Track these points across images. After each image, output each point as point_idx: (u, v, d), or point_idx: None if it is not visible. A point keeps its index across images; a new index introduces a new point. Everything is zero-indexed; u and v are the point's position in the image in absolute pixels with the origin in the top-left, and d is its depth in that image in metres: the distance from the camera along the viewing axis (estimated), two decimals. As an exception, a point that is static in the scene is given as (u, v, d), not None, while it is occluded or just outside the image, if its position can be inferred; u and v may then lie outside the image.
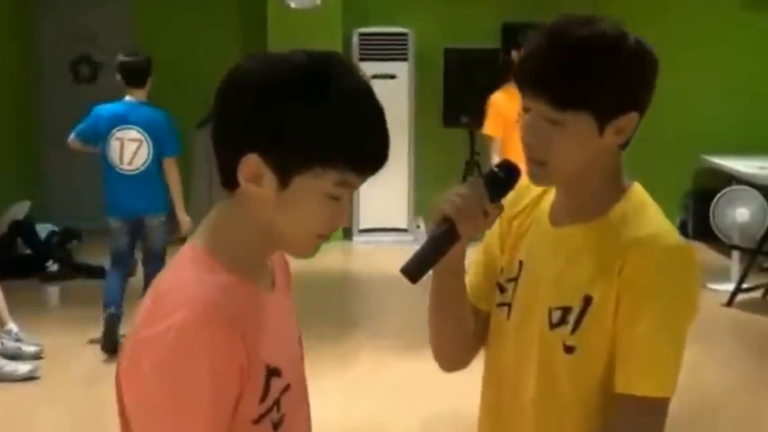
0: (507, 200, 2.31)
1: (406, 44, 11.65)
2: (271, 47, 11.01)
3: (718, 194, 9.56)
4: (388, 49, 11.63)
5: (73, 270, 10.02)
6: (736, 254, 9.52)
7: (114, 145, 7.72)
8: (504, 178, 2.15)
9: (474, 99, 11.19)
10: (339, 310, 9.04)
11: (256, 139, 1.78)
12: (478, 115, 11.46)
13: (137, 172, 7.71)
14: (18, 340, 7.42)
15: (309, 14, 10.69)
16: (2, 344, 7.30)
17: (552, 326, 2.16)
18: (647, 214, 2.16)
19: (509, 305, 2.26)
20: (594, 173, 2.16)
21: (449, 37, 11.78)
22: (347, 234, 11.56)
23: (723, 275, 9.51)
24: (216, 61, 10.48)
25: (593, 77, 2.05)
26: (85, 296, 9.41)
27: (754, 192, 9.51)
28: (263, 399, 1.82)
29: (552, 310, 2.16)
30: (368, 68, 11.47)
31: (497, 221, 2.30)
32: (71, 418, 6.37)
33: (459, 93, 11.43)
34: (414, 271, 2.07)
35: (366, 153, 1.82)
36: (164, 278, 1.85)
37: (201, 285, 1.77)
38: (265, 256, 1.92)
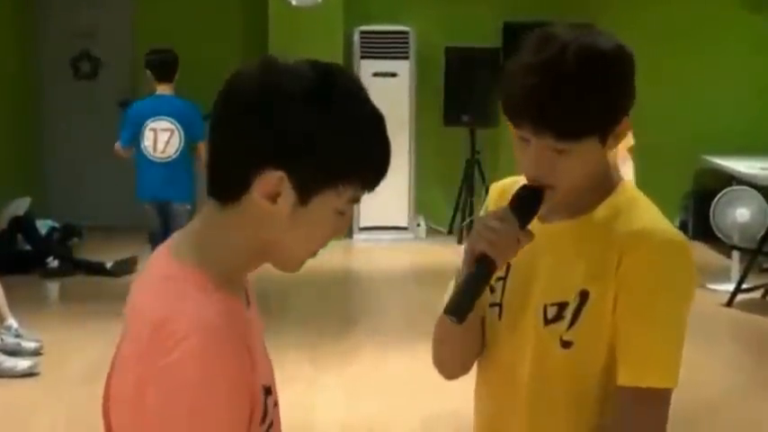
0: (491, 198, 2.36)
1: (407, 42, 11.65)
2: (272, 45, 11.01)
3: (719, 195, 9.56)
4: (390, 47, 11.63)
5: (73, 266, 10.03)
6: (736, 254, 9.53)
7: (148, 135, 8.23)
8: (530, 204, 2.14)
9: (475, 98, 11.22)
10: (339, 308, 9.04)
11: (281, 153, 1.69)
12: (479, 114, 11.50)
13: (169, 160, 8.23)
14: (18, 336, 7.42)
15: (311, 12, 10.69)
16: (2, 340, 7.31)
17: (547, 322, 2.16)
18: (640, 208, 2.17)
19: (500, 305, 2.26)
20: (590, 172, 2.16)
21: (450, 35, 11.78)
22: (348, 232, 11.57)
23: (723, 276, 9.52)
24: (217, 57, 10.50)
25: (596, 106, 2.05)
26: (85, 292, 9.43)
27: (755, 192, 9.51)
28: (263, 419, 1.76)
29: (547, 307, 2.16)
30: (369, 66, 11.49)
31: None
32: (71, 414, 6.37)
33: (459, 91, 11.44)
34: (459, 312, 2.08)
35: (381, 169, 1.80)
36: (153, 304, 1.73)
37: (200, 309, 1.69)
38: (249, 271, 1.84)
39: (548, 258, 2.19)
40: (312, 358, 7.08)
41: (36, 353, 7.36)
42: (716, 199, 9.54)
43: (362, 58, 11.57)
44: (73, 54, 12.39)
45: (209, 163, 1.77)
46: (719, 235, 9.59)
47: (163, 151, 8.22)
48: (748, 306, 8.93)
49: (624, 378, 2.09)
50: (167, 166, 8.23)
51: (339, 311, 8.92)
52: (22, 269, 9.69)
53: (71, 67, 12.42)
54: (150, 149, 8.23)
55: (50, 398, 6.67)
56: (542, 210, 2.19)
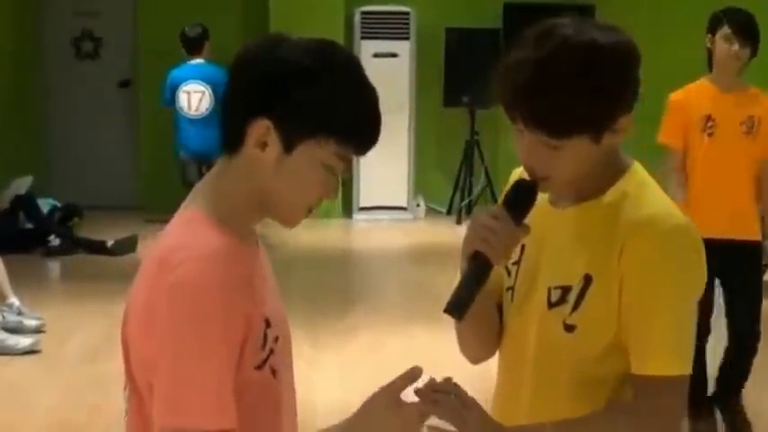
0: (509, 185, 2.32)
1: (407, 23, 11.66)
2: (273, 25, 11.01)
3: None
4: (390, 27, 11.63)
5: (74, 245, 10.05)
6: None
7: (182, 96, 10.09)
8: (523, 200, 2.15)
9: (474, 79, 11.21)
10: (339, 287, 9.06)
11: (269, 104, 1.93)
12: (479, 95, 11.50)
13: (202, 116, 9.99)
14: (19, 314, 7.44)
15: (311, -7, 10.71)
16: (3, 317, 7.33)
17: (551, 305, 2.17)
18: (648, 194, 2.16)
19: (513, 288, 2.28)
20: (594, 159, 2.16)
21: (450, 16, 11.79)
22: (347, 212, 11.60)
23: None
24: (218, 36, 10.51)
25: (588, 105, 2.04)
26: (86, 271, 9.46)
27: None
28: (263, 346, 1.95)
29: (552, 290, 2.17)
30: (369, 47, 11.49)
31: None
32: (72, 392, 6.39)
33: (459, 72, 11.45)
34: (458, 310, 2.11)
35: (365, 126, 1.97)
36: (164, 242, 1.97)
37: (200, 239, 1.91)
38: (255, 221, 2.05)
39: (555, 242, 2.20)
40: (311, 337, 7.10)
41: (37, 331, 7.38)
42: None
43: (363, 38, 11.58)
44: (74, 34, 12.39)
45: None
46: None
47: (197, 109, 10.03)
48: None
49: (639, 367, 2.09)
50: (202, 122, 9.92)
51: (338, 291, 8.94)
52: (23, 248, 9.71)
53: (73, 46, 12.43)
54: (186, 108, 10.07)
55: (52, 375, 6.69)
56: (551, 194, 2.21)
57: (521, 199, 2.16)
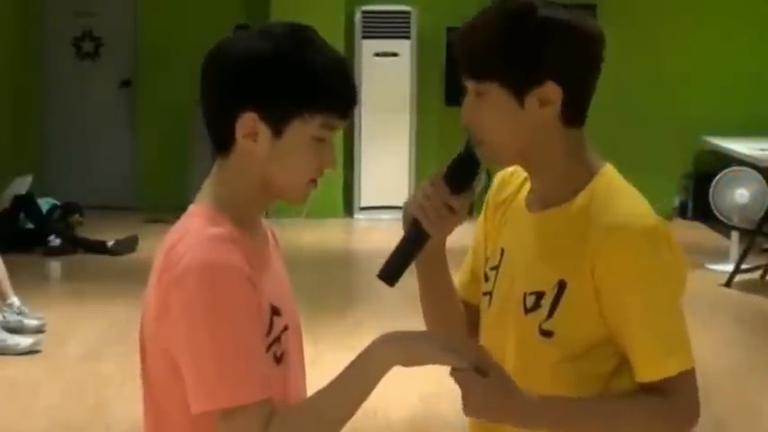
0: (493, 188, 2.36)
1: (408, 22, 11.64)
2: (273, 24, 11.00)
3: (719, 175, 9.57)
4: (391, 27, 11.62)
5: (75, 245, 10.04)
6: (735, 234, 9.54)
7: None
8: (462, 169, 2.16)
9: (476, 78, 11.22)
10: (340, 287, 9.06)
11: (250, 97, 1.99)
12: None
13: None
14: (20, 314, 7.43)
15: (312, -8, 10.69)
16: (4, 317, 7.32)
17: (527, 311, 2.16)
18: (616, 197, 2.14)
19: (490, 293, 2.28)
20: (552, 153, 2.17)
21: (451, 16, 11.74)
22: (348, 211, 11.59)
23: (722, 256, 9.53)
24: (218, 37, 10.49)
25: (496, 49, 2.10)
26: (87, 271, 9.45)
27: (754, 173, 9.51)
28: (267, 333, 2.00)
29: (527, 295, 2.17)
30: (370, 46, 11.48)
31: (483, 211, 2.36)
32: (73, 392, 6.39)
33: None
34: (389, 275, 2.13)
35: (343, 91, 2.04)
36: (170, 237, 2.02)
37: (200, 231, 1.97)
38: (261, 208, 2.12)
39: (529, 247, 2.20)
40: (312, 337, 7.10)
41: (38, 330, 7.38)
42: (716, 180, 9.55)
43: (364, 38, 11.57)
44: (75, 34, 12.37)
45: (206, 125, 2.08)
46: (719, 216, 9.60)
47: None
48: (747, 286, 8.95)
49: (640, 375, 2.10)
50: None
51: (339, 290, 8.94)
52: (24, 247, 9.70)
53: (73, 46, 12.41)
54: None
55: (52, 375, 6.69)
56: (529, 198, 2.23)
57: (460, 169, 2.16)
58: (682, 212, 11.70)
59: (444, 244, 2.25)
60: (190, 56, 9.81)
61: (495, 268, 2.27)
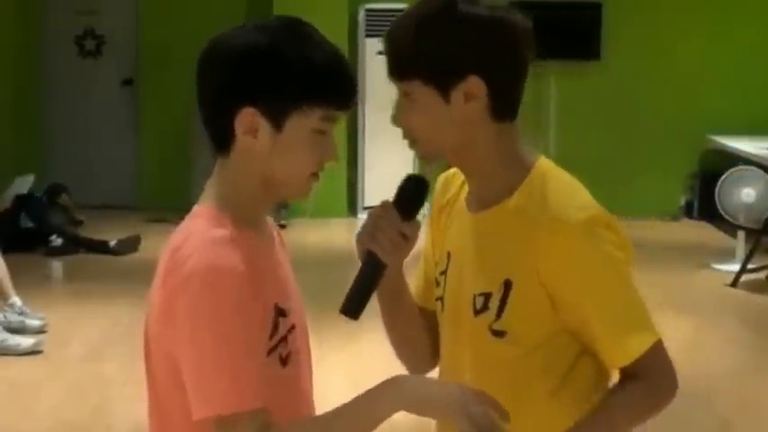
0: (436, 191, 2.36)
1: (412, 21, 11.61)
2: (276, 23, 10.98)
3: (725, 174, 9.53)
4: (395, 25, 11.59)
5: (76, 245, 10.02)
6: (741, 234, 9.50)
7: None
8: (411, 195, 2.13)
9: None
10: (345, 286, 8.96)
11: (248, 92, 1.97)
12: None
13: None
14: (22, 314, 7.42)
15: (315, -10, 10.65)
16: (5, 317, 7.31)
17: (476, 312, 2.16)
18: (551, 192, 2.12)
19: (442, 298, 2.27)
20: (484, 150, 2.15)
21: (455, 14, 11.74)
22: (352, 211, 11.56)
23: (728, 256, 9.50)
24: (221, 36, 10.46)
25: (416, 47, 2.09)
26: (89, 270, 9.43)
27: (761, 172, 9.47)
28: (272, 334, 1.99)
29: (476, 297, 2.16)
30: (374, 45, 11.42)
31: (429, 215, 2.35)
32: (74, 392, 6.37)
33: (464, 70, 11.40)
34: (352, 310, 2.12)
35: (341, 82, 2.00)
36: (174, 238, 2.00)
37: (204, 233, 1.95)
38: (266, 206, 2.10)
39: (474, 248, 2.19)
40: (317, 336, 7.04)
41: (40, 331, 7.36)
42: (722, 179, 9.51)
43: (367, 36, 11.53)
44: (77, 32, 12.34)
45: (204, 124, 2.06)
46: (725, 215, 9.56)
47: None
48: (753, 286, 8.91)
49: (613, 361, 2.11)
50: None
51: (344, 290, 8.87)
52: (25, 247, 9.67)
53: (75, 45, 12.38)
54: None
55: (54, 375, 6.67)
56: (468, 198, 2.22)
57: (407, 194, 2.14)
58: (688, 212, 11.66)
59: (402, 266, 2.23)
60: (193, 54, 9.76)
61: (444, 272, 2.27)
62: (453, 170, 2.30)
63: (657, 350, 2.10)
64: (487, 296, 2.14)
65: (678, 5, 11.67)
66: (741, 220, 9.45)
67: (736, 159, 10.08)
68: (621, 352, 2.09)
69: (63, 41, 12.30)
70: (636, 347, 2.08)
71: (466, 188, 2.26)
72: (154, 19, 12.18)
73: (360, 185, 11.49)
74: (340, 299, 2.22)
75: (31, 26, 12.12)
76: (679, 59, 11.65)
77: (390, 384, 1.93)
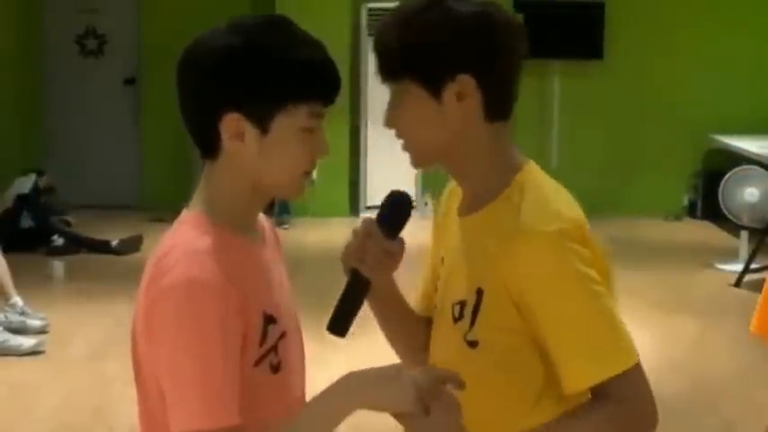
0: (442, 200, 2.34)
1: (414, 20, 11.60)
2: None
3: (728, 174, 9.51)
4: (397, 24, 11.58)
5: (78, 244, 10.00)
6: (744, 234, 9.48)
7: None
8: (395, 211, 2.11)
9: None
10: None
11: (229, 96, 1.93)
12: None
13: None
14: (23, 314, 7.42)
15: (318, -11, 10.65)
16: (7, 318, 7.30)
17: (455, 320, 2.12)
18: (526, 202, 2.05)
19: (436, 306, 2.25)
20: (477, 151, 2.11)
21: (458, 13, 11.72)
22: (354, 210, 11.54)
23: (732, 256, 9.48)
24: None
25: (405, 46, 2.06)
26: (90, 270, 9.42)
27: (764, 171, 9.46)
28: (261, 343, 1.95)
29: (454, 305, 2.12)
30: (376, 44, 11.45)
31: (432, 225, 2.34)
32: (75, 393, 6.36)
33: (467, 69, 11.39)
34: (338, 328, 2.08)
35: (324, 77, 1.96)
36: (162, 245, 1.97)
37: (189, 241, 1.92)
38: (256, 209, 2.06)
39: (459, 254, 2.16)
40: (317, 336, 7.04)
41: (41, 331, 7.36)
42: (725, 178, 9.49)
43: (370, 35, 11.50)
44: (78, 31, 12.33)
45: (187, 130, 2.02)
46: (728, 215, 9.54)
47: None
48: (756, 286, 8.87)
49: (565, 386, 2.00)
50: None
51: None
52: (27, 247, 9.66)
53: (76, 44, 12.36)
54: None
55: (55, 376, 6.67)
56: (460, 203, 2.18)
57: (391, 212, 2.11)
58: (691, 211, 11.64)
59: (391, 278, 2.21)
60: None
61: (440, 278, 2.24)
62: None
63: (631, 377, 1.98)
64: (463, 304, 2.10)
65: (680, 5, 11.65)
66: (744, 220, 9.43)
67: (739, 159, 10.07)
68: (572, 377, 1.99)
69: (64, 41, 12.28)
70: (592, 373, 1.98)
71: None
72: (156, 18, 12.16)
73: (362, 185, 11.47)
74: (340, 299, 2.19)
75: (33, 25, 12.11)
76: (682, 59, 11.63)
77: (339, 387, 1.90)
